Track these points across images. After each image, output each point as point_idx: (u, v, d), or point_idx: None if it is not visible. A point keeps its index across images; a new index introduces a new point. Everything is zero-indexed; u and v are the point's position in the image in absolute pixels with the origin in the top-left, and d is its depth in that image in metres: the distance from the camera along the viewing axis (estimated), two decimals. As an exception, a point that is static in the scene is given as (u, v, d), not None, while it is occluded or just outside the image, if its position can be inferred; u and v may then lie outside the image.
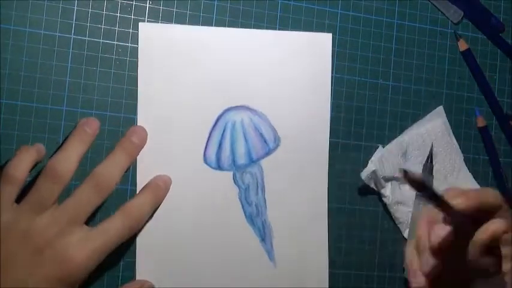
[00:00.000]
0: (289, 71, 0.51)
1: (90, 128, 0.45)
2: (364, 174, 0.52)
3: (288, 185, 0.51)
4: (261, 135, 0.50)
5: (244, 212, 0.50)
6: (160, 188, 0.47)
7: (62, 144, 0.45)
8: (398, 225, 0.54)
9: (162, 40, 0.49)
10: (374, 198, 0.54)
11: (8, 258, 0.40)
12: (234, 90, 0.50)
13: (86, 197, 0.43)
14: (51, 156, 0.44)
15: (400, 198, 0.53)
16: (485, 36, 0.58)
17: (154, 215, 0.48)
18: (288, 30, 0.52)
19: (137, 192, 0.47)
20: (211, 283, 0.49)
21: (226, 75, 0.50)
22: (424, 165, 0.54)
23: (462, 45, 0.56)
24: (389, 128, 0.54)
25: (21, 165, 0.42)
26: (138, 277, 0.47)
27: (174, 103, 0.49)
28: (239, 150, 0.50)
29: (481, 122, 0.57)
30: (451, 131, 0.56)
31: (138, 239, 0.47)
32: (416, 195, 0.53)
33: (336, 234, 0.53)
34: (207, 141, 0.49)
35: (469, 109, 0.57)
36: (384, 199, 0.53)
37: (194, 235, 0.49)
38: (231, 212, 0.50)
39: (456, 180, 0.55)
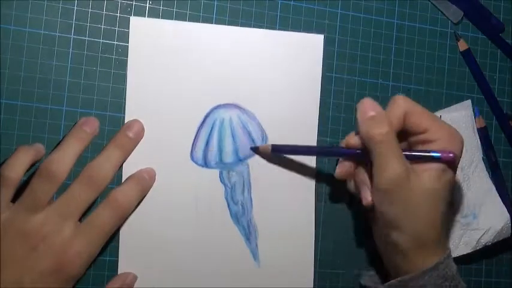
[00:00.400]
0: (280, 71, 0.51)
1: (89, 127, 0.45)
2: None
3: (274, 185, 0.51)
4: (249, 134, 0.50)
5: (230, 211, 0.50)
6: (145, 179, 0.47)
7: (59, 142, 0.45)
8: None
9: (152, 35, 0.49)
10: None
11: (3, 257, 0.41)
12: (224, 88, 0.50)
13: (79, 194, 0.43)
14: (47, 155, 0.44)
15: None
16: (485, 36, 0.58)
17: (138, 211, 0.47)
18: (288, 30, 0.52)
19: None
20: (194, 282, 0.49)
21: (216, 72, 0.50)
22: None
23: (462, 46, 0.56)
24: (389, 128, 0.54)
25: (16, 166, 0.42)
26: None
27: (163, 99, 0.48)
28: (226, 148, 0.50)
29: (480, 123, 0.57)
30: (475, 126, 0.56)
31: (121, 236, 0.47)
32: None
33: (333, 234, 0.53)
34: (195, 139, 0.49)
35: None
36: None
37: (178, 233, 0.49)
38: (216, 210, 0.49)
39: (472, 174, 0.56)
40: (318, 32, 0.53)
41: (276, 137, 0.51)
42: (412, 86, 0.55)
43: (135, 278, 0.47)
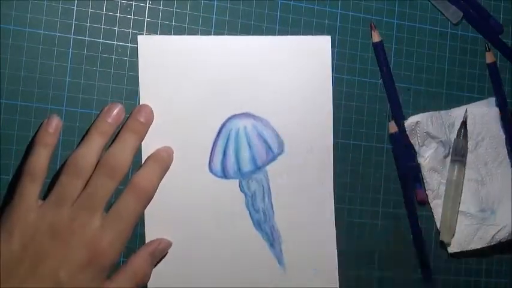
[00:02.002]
0: (290, 76, 0.51)
1: (112, 118, 0.45)
2: (409, 121, 0.54)
3: (294, 189, 0.51)
4: (265, 141, 0.50)
5: (252, 219, 0.50)
6: (163, 157, 0.47)
7: (83, 136, 0.46)
8: (426, 192, 0.55)
9: (161, 52, 0.49)
10: (374, 198, 0.54)
11: (38, 255, 0.41)
12: (236, 98, 0.50)
13: (102, 185, 0.43)
14: (74, 150, 0.44)
15: (436, 166, 0.54)
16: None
17: (159, 227, 0.48)
18: (288, 29, 0.52)
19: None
20: None
21: (227, 83, 0.50)
22: (458, 130, 0.56)
23: (489, 58, 0.57)
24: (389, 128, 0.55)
25: (39, 161, 0.43)
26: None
27: (177, 114, 0.48)
28: (244, 157, 0.50)
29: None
30: (501, 122, 0.57)
31: None
32: (452, 160, 0.55)
33: (336, 234, 0.53)
34: (212, 151, 0.49)
35: (469, 109, 0.57)
36: (419, 159, 0.54)
37: (202, 245, 0.49)
38: (238, 219, 0.50)
39: (495, 170, 0.56)
40: (318, 32, 0.53)
41: (292, 142, 0.51)
42: (412, 86, 0.55)
43: (169, 244, 0.48)
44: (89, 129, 0.46)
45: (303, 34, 0.52)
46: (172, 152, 0.48)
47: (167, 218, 0.48)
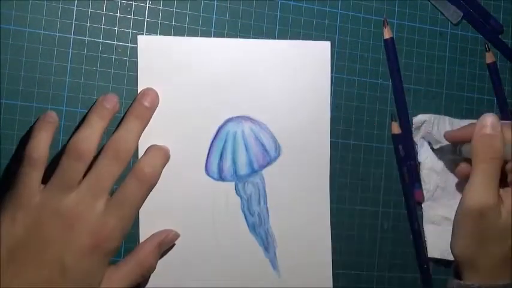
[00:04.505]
0: (289, 80, 0.51)
1: (109, 103, 0.45)
2: (418, 118, 0.54)
3: (290, 193, 0.51)
4: (262, 144, 0.50)
5: (247, 222, 0.50)
6: (165, 148, 0.48)
7: (81, 121, 0.45)
8: (423, 190, 0.54)
9: (161, 53, 0.49)
10: (374, 198, 0.54)
11: (42, 240, 0.41)
12: (234, 100, 0.50)
13: (106, 169, 0.43)
14: (72, 134, 0.44)
15: (436, 167, 0.54)
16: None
17: (155, 227, 0.47)
18: (288, 29, 0.52)
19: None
20: None
21: (226, 85, 0.50)
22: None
23: (489, 58, 0.57)
24: (389, 128, 0.54)
25: (41, 145, 0.42)
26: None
27: (174, 115, 0.48)
28: (240, 160, 0.50)
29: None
30: None
31: None
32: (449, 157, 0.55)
33: (335, 234, 0.53)
34: (209, 153, 0.49)
35: (469, 109, 0.57)
36: (419, 157, 0.55)
37: (196, 247, 0.49)
38: (233, 222, 0.50)
39: None
40: (318, 32, 0.53)
41: (289, 146, 0.51)
42: (412, 86, 0.55)
43: (177, 235, 0.48)
44: (86, 114, 0.45)
45: (303, 34, 0.52)
46: (168, 149, 0.48)
47: (162, 219, 0.48)
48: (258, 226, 0.50)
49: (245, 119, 0.50)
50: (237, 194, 0.50)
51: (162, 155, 0.47)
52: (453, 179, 0.55)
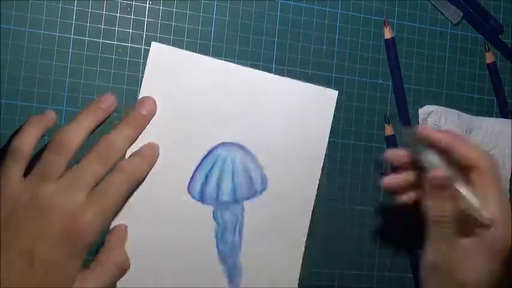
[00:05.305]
0: (289, 119, 0.51)
1: (104, 103, 0.45)
2: (424, 109, 0.54)
3: (266, 230, 0.50)
4: (250, 177, 0.50)
5: (218, 249, 0.49)
6: (148, 153, 0.47)
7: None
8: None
9: (170, 64, 0.48)
10: (374, 198, 0.54)
11: (16, 229, 0.41)
12: (232, 126, 0.50)
13: (90, 167, 0.43)
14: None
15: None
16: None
17: (131, 240, 0.47)
18: (287, 29, 0.52)
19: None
20: None
21: (227, 110, 0.50)
22: None
23: (489, 58, 0.57)
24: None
25: (27, 139, 0.42)
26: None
27: (170, 126, 0.48)
28: (225, 187, 0.49)
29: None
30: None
31: None
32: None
33: (335, 234, 0.53)
34: (195, 171, 0.49)
35: (469, 109, 0.57)
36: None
37: (162, 263, 0.48)
38: (204, 246, 0.49)
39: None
40: (318, 31, 0.53)
41: (276, 184, 0.50)
42: (412, 86, 0.55)
43: (125, 226, 0.47)
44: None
45: (303, 34, 0.52)
46: (158, 148, 0.48)
47: (136, 228, 0.47)
48: (228, 256, 0.49)
49: (238, 148, 0.50)
50: (214, 218, 0.49)
51: (152, 153, 0.47)
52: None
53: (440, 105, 0.56)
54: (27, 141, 0.42)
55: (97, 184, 0.43)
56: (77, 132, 0.43)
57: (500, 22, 0.58)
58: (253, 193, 0.50)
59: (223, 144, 0.50)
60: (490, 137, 0.56)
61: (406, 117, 0.54)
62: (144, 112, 0.47)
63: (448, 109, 0.55)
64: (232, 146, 0.50)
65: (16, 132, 0.44)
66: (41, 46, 0.47)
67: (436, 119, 0.54)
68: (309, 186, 0.51)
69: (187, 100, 0.49)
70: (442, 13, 0.56)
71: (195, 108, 0.49)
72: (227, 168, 0.49)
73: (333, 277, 0.52)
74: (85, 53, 0.48)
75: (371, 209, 0.54)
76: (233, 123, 0.50)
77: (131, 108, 0.47)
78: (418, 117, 0.55)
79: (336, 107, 0.53)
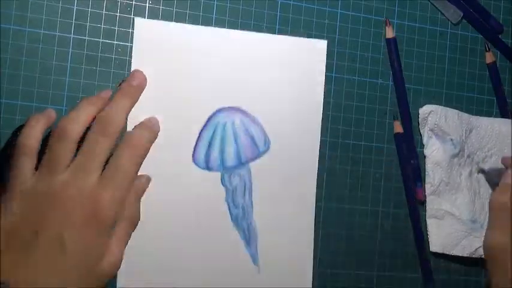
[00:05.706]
0: (283, 75, 0.51)
1: (104, 93, 0.46)
2: (424, 109, 0.54)
3: (275, 188, 0.51)
4: (252, 137, 0.50)
5: (231, 214, 0.50)
6: (151, 124, 0.47)
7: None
8: (425, 185, 0.55)
9: (157, 37, 0.49)
10: (374, 198, 0.54)
11: (38, 223, 0.41)
12: (227, 91, 0.50)
13: (95, 145, 0.43)
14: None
15: (441, 161, 0.54)
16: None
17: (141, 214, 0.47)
18: (287, 29, 0.52)
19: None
20: (194, 285, 0.48)
21: (220, 75, 0.50)
22: None
23: (489, 58, 0.57)
24: (389, 128, 0.54)
25: (33, 133, 0.42)
26: (119, 277, 0.47)
27: (165, 101, 0.48)
28: (228, 151, 0.50)
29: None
30: None
31: None
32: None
33: (335, 234, 0.53)
34: (197, 141, 0.49)
35: (469, 109, 0.57)
36: (425, 150, 0.54)
37: (178, 235, 0.49)
38: (217, 213, 0.49)
39: (494, 187, 0.56)
40: (318, 32, 0.53)
41: (278, 141, 0.51)
42: (412, 86, 0.55)
43: (148, 178, 0.48)
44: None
45: (302, 34, 0.52)
46: (157, 120, 0.48)
47: (146, 204, 0.47)
48: (241, 219, 0.50)
49: (236, 111, 0.50)
50: (222, 184, 0.50)
51: (153, 124, 0.47)
52: (456, 175, 0.55)
53: (440, 105, 0.56)
54: (34, 136, 0.42)
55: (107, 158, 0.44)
56: (78, 118, 0.43)
57: (500, 22, 0.58)
58: (257, 153, 0.50)
59: (221, 110, 0.50)
60: (490, 137, 0.56)
61: (408, 117, 0.54)
62: (134, 83, 0.47)
63: (448, 109, 0.55)
64: (230, 110, 0.50)
65: (16, 132, 0.44)
66: (40, 46, 0.47)
67: (436, 119, 0.54)
68: (311, 137, 0.52)
69: (179, 71, 0.49)
70: (442, 13, 0.56)
71: (188, 78, 0.49)
72: (228, 132, 0.50)
73: (333, 277, 0.52)
74: (85, 52, 0.48)
75: (371, 209, 0.54)
76: (228, 88, 0.50)
77: (123, 81, 0.47)
78: (418, 117, 0.55)
79: (336, 107, 0.53)
